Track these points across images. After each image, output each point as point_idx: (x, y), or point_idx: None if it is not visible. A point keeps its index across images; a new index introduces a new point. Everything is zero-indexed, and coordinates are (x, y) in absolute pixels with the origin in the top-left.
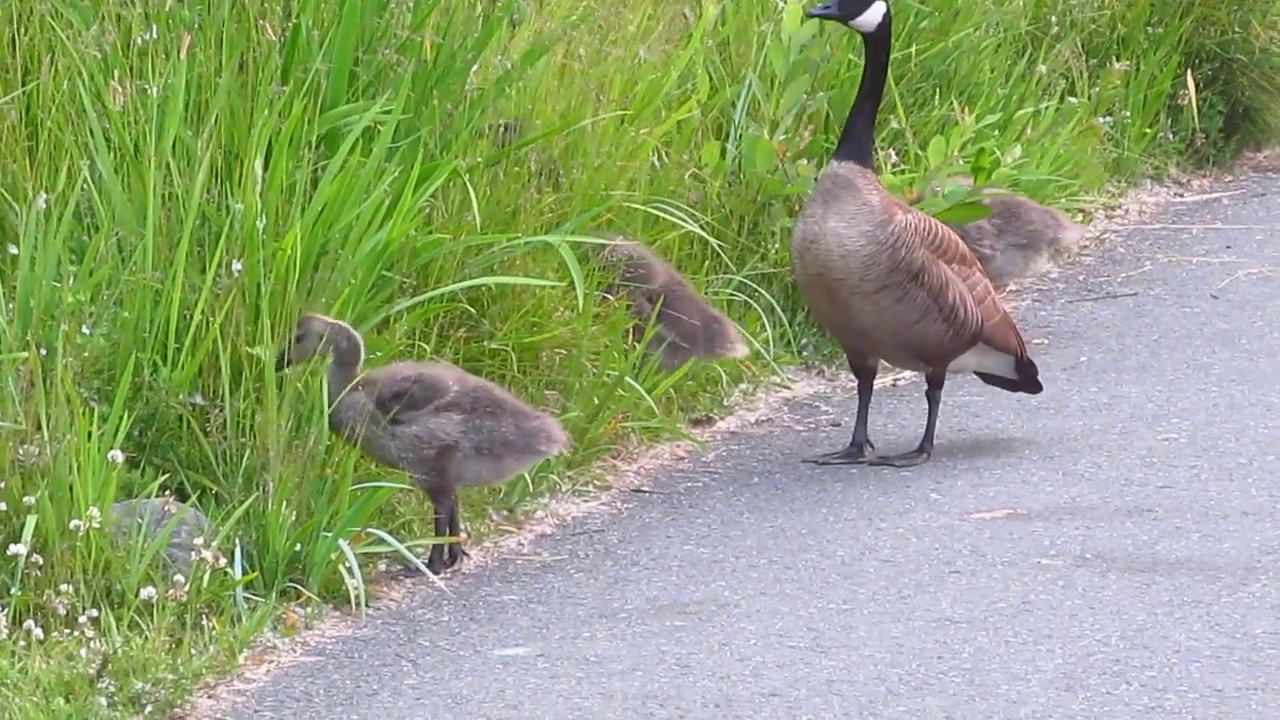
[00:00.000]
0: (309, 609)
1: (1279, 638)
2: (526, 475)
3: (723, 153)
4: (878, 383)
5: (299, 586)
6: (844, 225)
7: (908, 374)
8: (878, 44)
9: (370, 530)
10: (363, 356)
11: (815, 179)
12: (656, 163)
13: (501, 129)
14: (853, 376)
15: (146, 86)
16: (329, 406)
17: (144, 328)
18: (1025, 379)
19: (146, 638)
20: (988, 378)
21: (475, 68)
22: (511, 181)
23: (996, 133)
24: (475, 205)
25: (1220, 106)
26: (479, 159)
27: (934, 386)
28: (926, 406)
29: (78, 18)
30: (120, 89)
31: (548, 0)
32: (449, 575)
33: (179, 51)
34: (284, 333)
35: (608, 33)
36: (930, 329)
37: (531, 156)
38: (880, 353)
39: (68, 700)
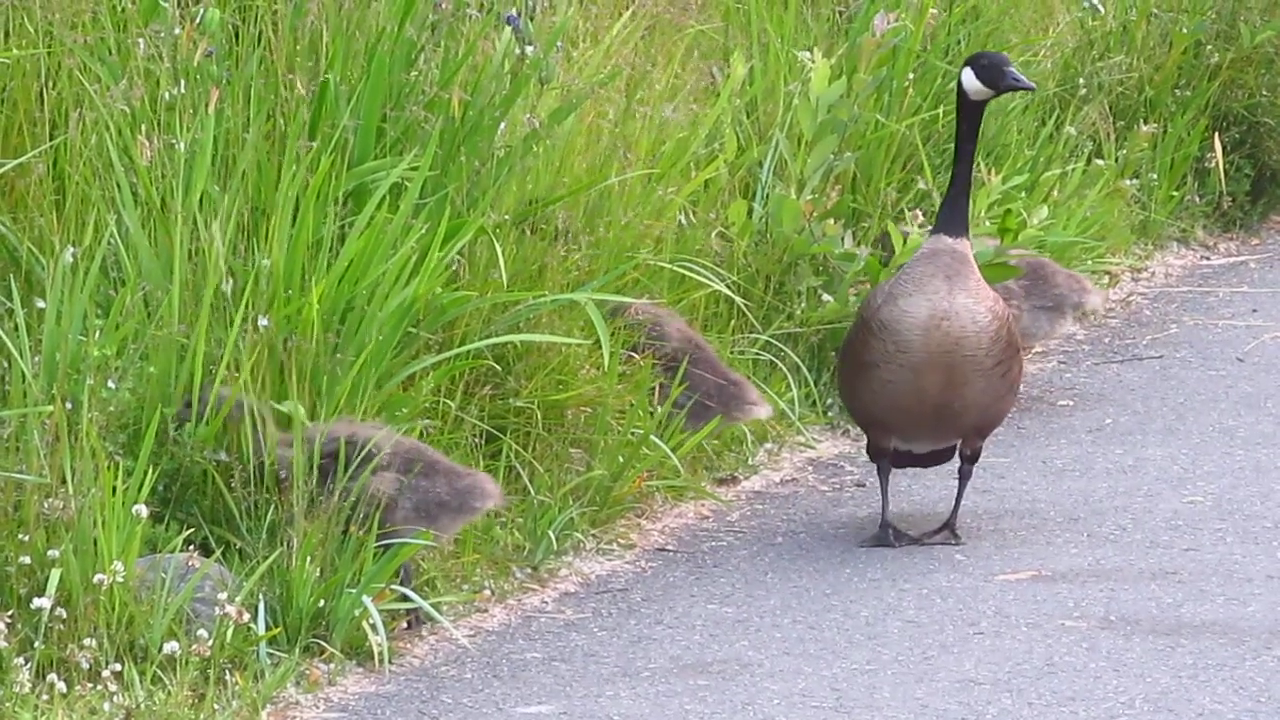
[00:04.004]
0: (332, 665)
1: None
2: (551, 534)
3: (749, 212)
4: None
5: (322, 642)
6: (973, 301)
7: None
8: (980, 112)
9: (394, 587)
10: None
11: (919, 251)
12: (683, 221)
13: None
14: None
15: (174, 141)
16: (268, 458)
17: (169, 382)
18: None
19: (169, 692)
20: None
21: (503, 125)
22: (538, 239)
23: (1023, 194)
24: (502, 262)
25: (1247, 170)
26: (506, 216)
27: (970, 462)
28: (957, 482)
29: (106, 72)
30: (148, 144)
31: (575, 59)
32: (472, 633)
33: (207, 106)
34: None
35: (635, 91)
36: (1007, 402)
37: (559, 215)
38: (943, 433)
39: None
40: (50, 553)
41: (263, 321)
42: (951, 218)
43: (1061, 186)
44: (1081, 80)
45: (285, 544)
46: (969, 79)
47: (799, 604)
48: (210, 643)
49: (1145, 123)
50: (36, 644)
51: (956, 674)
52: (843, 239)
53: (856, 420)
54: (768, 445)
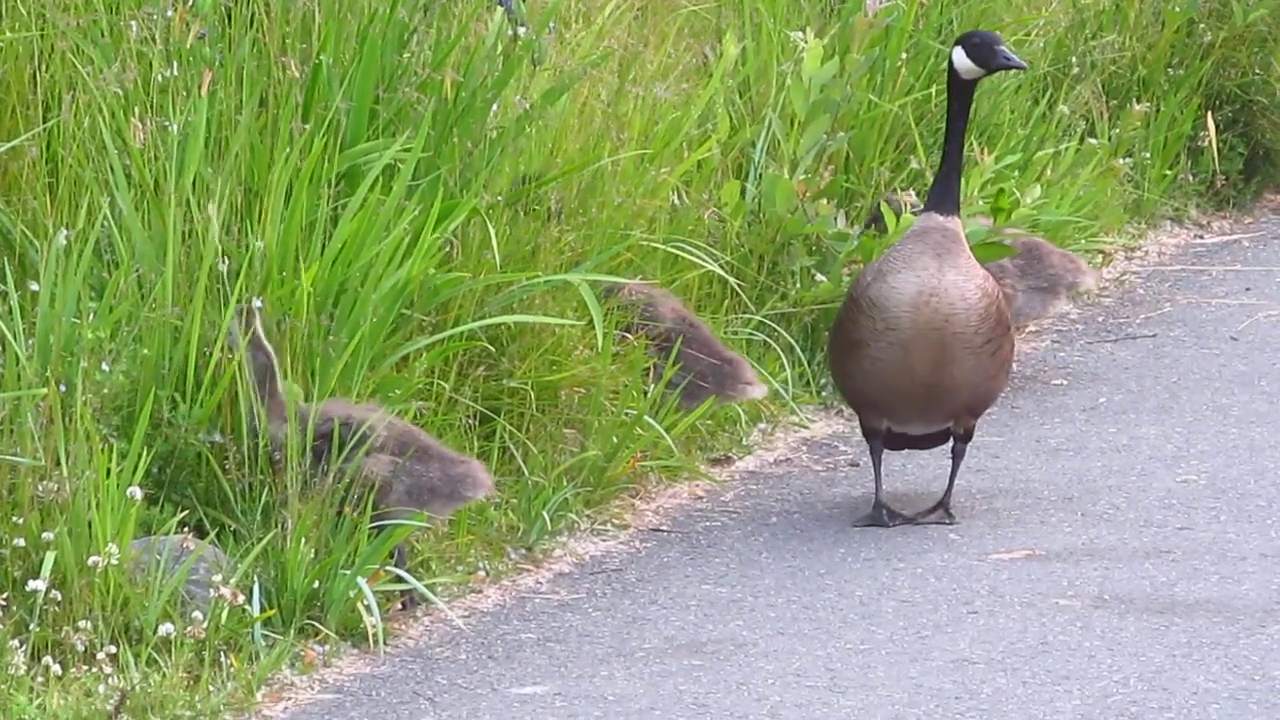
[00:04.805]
0: (327, 646)
1: None
2: (545, 514)
3: (742, 192)
4: None
5: (317, 624)
6: (962, 278)
7: None
8: (971, 92)
9: (388, 568)
10: (276, 378)
11: (910, 230)
12: (676, 202)
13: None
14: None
15: (167, 123)
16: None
17: (163, 365)
18: None
19: (164, 674)
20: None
21: (495, 106)
22: (531, 220)
23: (1016, 173)
24: (495, 243)
25: (1240, 148)
26: (499, 197)
27: (964, 441)
28: (951, 461)
29: (99, 55)
30: (141, 126)
31: (568, 39)
32: (466, 614)
33: (200, 89)
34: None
35: (628, 72)
36: (999, 381)
37: (552, 196)
38: (935, 413)
39: None
40: (45, 535)
41: (256, 303)
42: (942, 196)
43: (1054, 166)
44: (1074, 59)
45: (280, 526)
46: (960, 58)
47: (793, 584)
48: (205, 625)
49: (1138, 101)
50: (32, 626)
51: (951, 653)
52: (836, 219)
53: (848, 401)
54: (762, 425)
